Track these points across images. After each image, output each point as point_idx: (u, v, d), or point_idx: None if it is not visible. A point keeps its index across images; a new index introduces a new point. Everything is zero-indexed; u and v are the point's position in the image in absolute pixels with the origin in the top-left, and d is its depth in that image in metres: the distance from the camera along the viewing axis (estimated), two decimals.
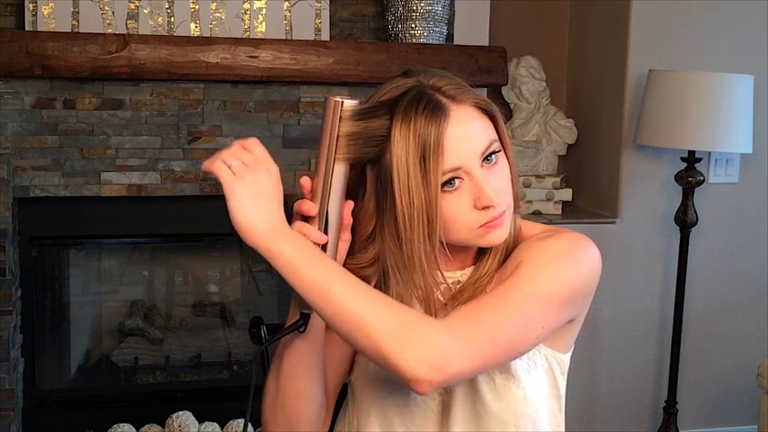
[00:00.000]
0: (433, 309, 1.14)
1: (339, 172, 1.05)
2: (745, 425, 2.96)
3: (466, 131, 1.07)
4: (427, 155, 1.04)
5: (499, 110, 1.14)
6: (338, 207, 1.07)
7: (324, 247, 1.05)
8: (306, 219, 1.07)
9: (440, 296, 1.17)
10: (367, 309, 0.99)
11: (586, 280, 1.13)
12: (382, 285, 1.14)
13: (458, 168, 1.07)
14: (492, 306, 1.05)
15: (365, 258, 1.12)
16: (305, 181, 1.06)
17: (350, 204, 1.08)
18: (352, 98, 1.04)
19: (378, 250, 1.11)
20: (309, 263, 1.00)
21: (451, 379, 1.01)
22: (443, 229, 1.09)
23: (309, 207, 1.05)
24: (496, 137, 1.11)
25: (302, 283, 1.00)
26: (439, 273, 1.13)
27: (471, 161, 1.07)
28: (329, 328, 1.18)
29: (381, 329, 0.97)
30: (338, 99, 1.03)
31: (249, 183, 1.00)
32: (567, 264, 1.11)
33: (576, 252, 1.13)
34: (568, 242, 1.13)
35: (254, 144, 1.03)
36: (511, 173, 1.13)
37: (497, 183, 1.10)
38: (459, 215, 1.09)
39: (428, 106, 1.06)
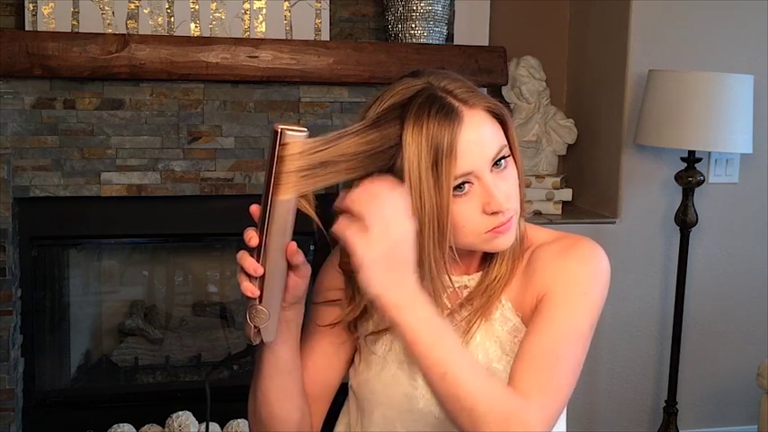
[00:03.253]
0: (441, 310, 1.14)
1: (282, 205, 0.98)
2: (745, 425, 2.96)
3: (478, 136, 1.07)
4: (440, 159, 1.03)
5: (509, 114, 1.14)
6: (281, 241, 1.01)
7: (260, 280, 1.01)
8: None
9: (446, 300, 1.17)
10: (477, 398, 0.99)
11: (605, 293, 1.16)
12: None
13: (469, 173, 1.06)
14: (551, 369, 1.06)
15: None
16: (254, 209, 1.02)
17: (293, 244, 1.03)
18: (300, 128, 0.96)
19: None
20: (431, 341, 0.99)
21: None
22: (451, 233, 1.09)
23: (250, 237, 1.01)
24: (506, 142, 1.11)
25: (421, 359, 1.00)
26: (447, 277, 1.13)
27: (482, 166, 1.07)
28: (313, 344, 1.21)
29: (489, 417, 0.99)
30: (281, 128, 0.96)
31: (383, 253, 0.97)
32: (595, 292, 1.13)
33: (599, 273, 1.14)
34: (589, 262, 1.14)
35: (397, 196, 0.99)
36: (518, 177, 1.13)
37: (506, 187, 1.10)
38: (468, 220, 1.08)
39: (441, 110, 1.04)
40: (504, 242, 1.12)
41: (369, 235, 0.97)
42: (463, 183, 1.07)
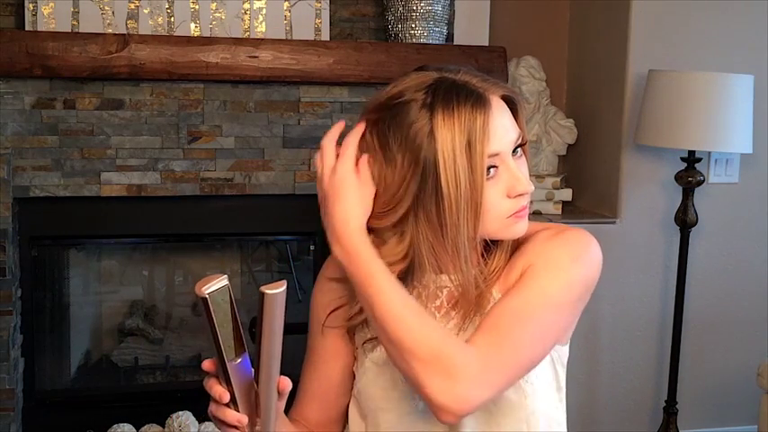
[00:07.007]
0: (471, 294, 1.14)
1: (237, 367, 0.96)
2: (745, 425, 2.96)
3: (503, 120, 1.10)
4: (473, 141, 1.05)
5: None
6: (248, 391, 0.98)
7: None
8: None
9: (444, 301, 1.17)
10: (410, 327, 1.02)
11: (593, 279, 1.16)
12: (408, 280, 1.14)
13: (497, 154, 1.08)
14: (511, 325, 1.07)
15: (397, 253, 1.11)
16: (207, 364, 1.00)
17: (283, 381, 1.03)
18: (218, 280, 0.91)
19: (409, 244, 1.10)
20: (375, 280, 1.05)
21: (478, 407, 1.04)
22: None
23: (220, 393, 0.99)
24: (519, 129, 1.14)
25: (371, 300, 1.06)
26: (476, 258, 1.14)
27: (507, 149, 1.10)
28: (315, 390, 1.26)
29: (417, 353, 1.01)
30: (206, 294, 0.90)
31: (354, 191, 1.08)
32: (575, 268, 1.13)
33: (583, 255, 1.15)
34: (574, 245, 1.15)
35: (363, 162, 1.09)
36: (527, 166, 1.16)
37: (525, 173, 1.13)
38: (493, 204, 1.10)
39: (470, 95, 1.07)
40: (523, 227, 1.14)
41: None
42: (489, 166, 1.08)
